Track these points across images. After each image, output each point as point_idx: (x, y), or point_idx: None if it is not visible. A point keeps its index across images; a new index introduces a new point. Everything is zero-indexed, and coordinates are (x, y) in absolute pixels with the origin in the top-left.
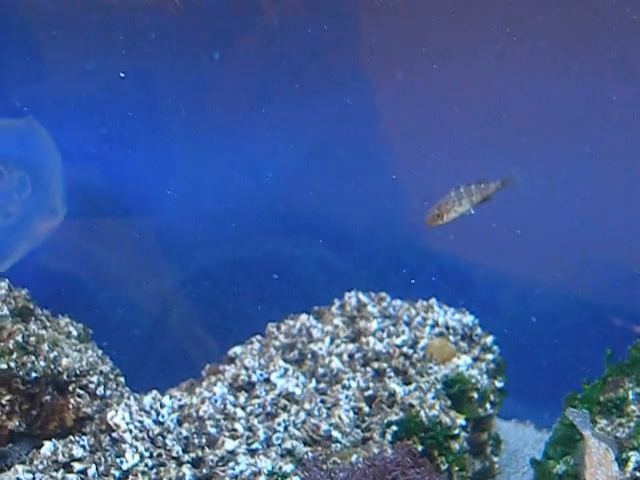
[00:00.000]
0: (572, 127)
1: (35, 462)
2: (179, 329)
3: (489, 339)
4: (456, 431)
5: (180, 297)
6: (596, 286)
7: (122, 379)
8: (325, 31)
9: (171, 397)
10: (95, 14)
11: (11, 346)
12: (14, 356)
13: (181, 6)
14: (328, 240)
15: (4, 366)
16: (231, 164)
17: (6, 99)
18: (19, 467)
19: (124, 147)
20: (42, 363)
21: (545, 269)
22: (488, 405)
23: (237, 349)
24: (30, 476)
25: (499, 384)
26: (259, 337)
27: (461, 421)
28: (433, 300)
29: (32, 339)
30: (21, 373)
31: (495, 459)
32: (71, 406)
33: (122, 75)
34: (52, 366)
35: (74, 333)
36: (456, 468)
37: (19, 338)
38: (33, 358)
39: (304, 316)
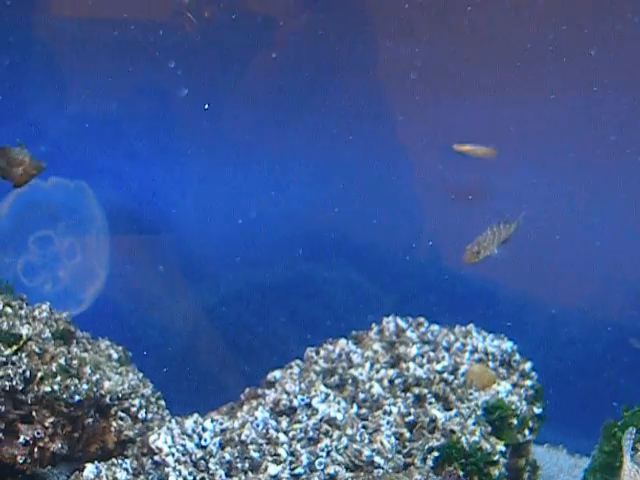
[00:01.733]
0: (600, 147)
1: None
2: (210, 351)
3: (527, 365)
4: (496, 457)
5: (211, 320)
6: (628, 310)
7: (163, 402)
8: (341, 46)
9: (212, 421)
10: (112, 32)
11: (54, 369)
12: (57, 379)
13: (196, 23)
14: (358, 263)
15: (48, 389)
16: (263, 187)
17: (23, 117)
18: None
19: (157, 170)
20: (85, 386)
21: (575, 293)
22: (527, 431)
23: (276, 373)
24: None
25: (537, 410)
26: (299, 362)
27: (501, 447)
28: (471, 325)
29: (74, 362)
30: (64, 396)
31: None
32: (113, 429)
33: (206, 107)
34: (95, 389)
35: (114, 356)
36: None
37: (62, 361)
38: (76, 381)
39: (343, 341)
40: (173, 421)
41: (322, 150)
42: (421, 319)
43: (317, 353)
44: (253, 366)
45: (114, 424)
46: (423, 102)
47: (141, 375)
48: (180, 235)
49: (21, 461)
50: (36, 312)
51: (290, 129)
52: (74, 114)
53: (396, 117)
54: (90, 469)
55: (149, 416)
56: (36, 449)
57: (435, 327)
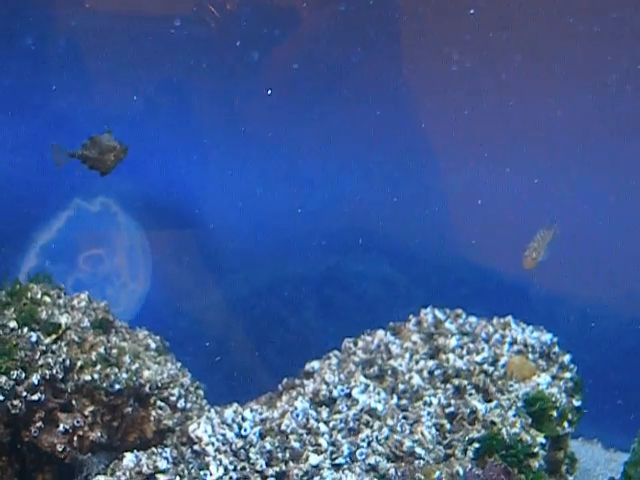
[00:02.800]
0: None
1: (117, 473)
2: (242, 344)
3: (567, 357)
4: (536, 449)
5: (243, 312)
6: None
7: (201, 392)
8: (367, 39)
9: (252, 410)
10: (134, 26)
11: (94, 358)
12: (97, 368)
13: (218, 15)
14: (389, 256)
15: (88, 378)
16: (295, 182)
17: (46, 110)
18: (101, 478)
19: (187, 164)
20: (124, 375)
21: (609, 286)
22: (566, 424)
23: (315, 364)
24: None
25: (576, 403)
26: (337, 352)
27: (541, 439)
28: (509, 317)
29: (114, 351)
30: (104, 385)
31: (570, 478)
32: (152, 418)
33: (269, 92)
34: (134, 378)
35: (152, 345)
36: None
37: (101, 350)
38: (116, 370)
39: (381, 332)
40: (212, 411)
41: (354, 143)
42: (459, 311)
43: (355, 344)
44: (285, 358)
45: (153, 413)
46: (451, 95)
47: (179, 364)
48: (212, 228)
49: (60, 449)
50: (75, 301)
51: (320, 120)
52: (96, 107)
53: (425, 109)
54: (129, 458)
55: (188, 405)
56: (75, 438)
57: (473, 319)
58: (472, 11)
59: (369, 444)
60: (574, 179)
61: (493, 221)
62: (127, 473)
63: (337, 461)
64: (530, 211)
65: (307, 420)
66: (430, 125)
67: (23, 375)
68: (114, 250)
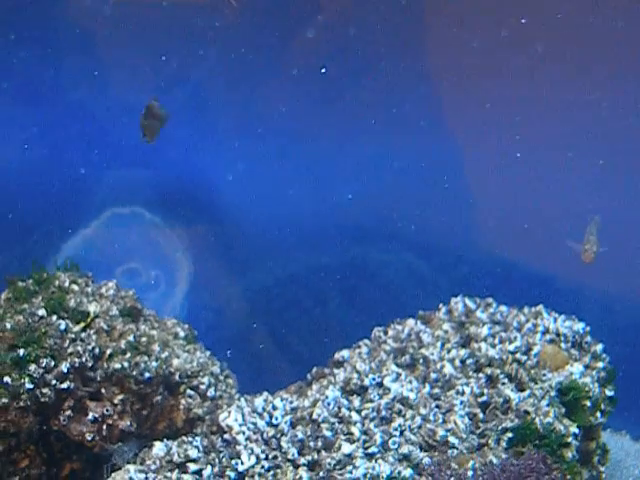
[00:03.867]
0: None
1: (147, 462)
2: (268, 333)
3: (599, 347)
4: (569, 439)
5: (268, 302)
6: None
7: (231, 380)
8: (392, 30)
9: (282, 399)
10: (153, 15)
11: (123, 346)
12: (127, 356)
13: (237, 5)
14: (414, 246)
15: (118, 366)
16: (319, 172)
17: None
18: (131, 467)
19: (212, 155)
20: (154, 363)
21: (635, 277)
22: (598, 414)
23: (344, 353)
24: (142, 476)
25: (609, 393)
26: (367, 341)
27: (574, 429)
28: (541, 306)
29: (143, 339)
30: (134, 373)
31: (602, 469)
32: (182, 407)
33: (323, 70)
34: (164, 366)
35: (181, 334)
36: (568, 477)
37: (130, 338)
38: (146, 358)
39: (411, 321)
40: (242, 399)
41: (379, 135)
42: (489, 300)
43: (385, 333)
44: (310, 348)
45: (183, 402)
46: (481, 92)
47: (208, 353)
48: (238, 219)
49: (89, 438)
50: (103, 289)
51: (344, 113)
52: (115, 97)
53: (448, 101)
54: (159, 446)
55: (218, 394)
56: (104, 426)
57: (503, 308)
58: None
59: (402, 433)
60: (597, 172)
61: (519, 212)
62: (157, 462)
63: (370, 450)
64: (556, 203)
65: (339, 409)
66: (454, 116)
67: (52, 363)
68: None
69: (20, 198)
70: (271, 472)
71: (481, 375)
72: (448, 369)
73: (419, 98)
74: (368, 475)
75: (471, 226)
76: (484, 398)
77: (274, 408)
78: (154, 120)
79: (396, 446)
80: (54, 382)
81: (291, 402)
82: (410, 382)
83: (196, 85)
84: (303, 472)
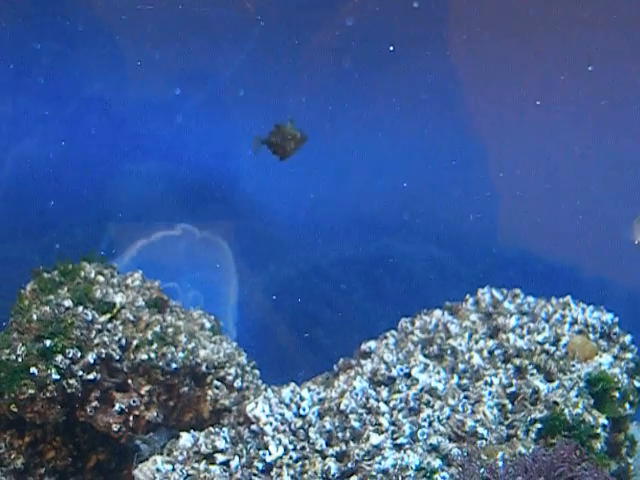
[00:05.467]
0: None
1: (174, 453)
2: (290, 325)
3: (627, 338)
4: (598, 430)
5: (291, 294)
6: None
7: (257, 371)
8: (411, 20)
9: (310, 390)
10: (172, 8)
11: (150, 337)
12: (154, 347)
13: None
14: (438, 237)
15: (144, 357)
16: (343, 164)
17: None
18: (158, 458)
19: (231, 146)
20: (181, 354)
21: None
22: (627, 405)
23: (371, 344)
24: (169, 467)
25: (638, 384)
26: (393, 332)
27: (603, 420)
28: (569, 297)
29: (170, 330)
30: (161, 364)
31: (630, 460)
32: (209, 398)
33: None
34: (191, 357)
35: (207, 325)
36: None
37: (157, 329)
38: (173, 349)
39: (438, 312)
40: (269, 390)
41: (402, 124)
42: (517, 290)
43: (412, 324)
44: (334, 340)
45: (210, 393)
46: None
47: (235, 344)
48: (262, 211)
49: (116, 429)
50: (129, 280)
51: (366, 103)
52: (134, 90)
53: (471, 91)
54: (186, 438)
55: (244, 385)
56: (131, 418)
57: (531, 298)
58: None
59: (430, 424)
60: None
61: (544, 203)
62: (184, 453)
63: (398, 441)
64: (582, 194)
65: (367, 400)
66: (479, 107)
67: (79, 354)
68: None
69: (56, 194)
70: (299, 463)
71: (509, 366)
72: (476, 360)
73: (444, 88)
74: (397, 466)
75: (495, 218)
76: (513, 389)
77: (301, 399)
78: (288, 140)
79: (425, 437)
80: (81, 373)
81: (318, 393)
82: (438, 373)
83: (219, 81)
84: (331, 463)
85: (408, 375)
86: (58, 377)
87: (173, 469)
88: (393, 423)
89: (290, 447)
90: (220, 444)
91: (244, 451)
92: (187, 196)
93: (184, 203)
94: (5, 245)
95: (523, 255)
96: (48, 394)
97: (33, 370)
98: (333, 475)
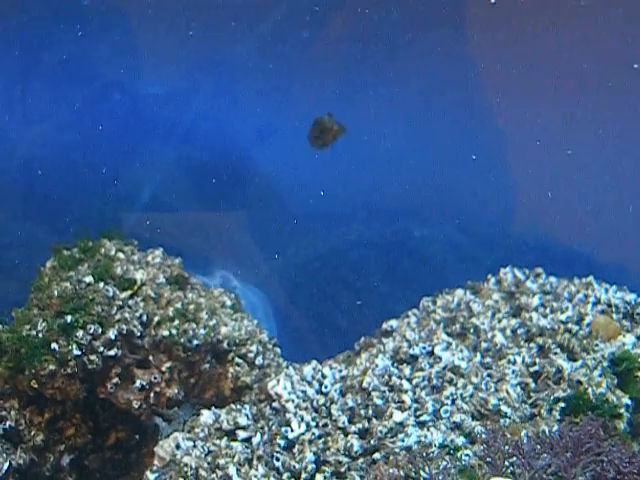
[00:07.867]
0: None
1: (196, 430)
2: (308, 307)
3: None
4: (621, 410)
5: (309, 276)
6: None
7: (278, 349)
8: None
9: (331, 368)
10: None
11: (171, 313)
12: (175, 323)
13: None
14: (456, 220)
15: (166, 333)
16: (360, 146)
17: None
18: (179, 434)
19: (255, 132)
20: (202, 331)
21: None
22: None
23: (393, 322)
24: (190, 443)
25: None
26: (415, 311)
27: (626, 400)
28: (591, 277)
29: (191, 307)
30: (182, 340)
31: None
32: (230, 375)
33: None
34: (212, 334)
35: (228, 303)
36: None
37: (178, 305)
38: (194, 325)
39: (460, 291)
40: (291, 368)
41: (423, 110)
42: (539, 270)
43: (434, 303)
44: (350, 321)
45: (231, 370)
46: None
47: (256, 322)
48: (280, 193)
49: (136, 406)
50: (149, 257)
51: (391, 87)
52: (151, 78)
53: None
54: (208, 414)
55: (266, 363)
56: (152, 394)
57: (553, 278)
58: None
59: (453, 402)
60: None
61: (562, 187)
62: (205, 430)
63: (422, 418)
64: (598, 179)
65: (389, 377)
66: (498, 93)
67: (100, 330)
68: None
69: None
70: (322, 440)
71: (532, 345)
72: (499, 338)
73: (463, 76)
74: (420, 443)
75: (514, 200)
76: (536, 368)
77: (323, 376)
78: (326, 134)
79: (448, 415)
80: (101, 349)
81: (340, 371)
82: (461, 351)
83: (234, 69)
84: (354, 440)
85: (431, 353)
86: (79, 353)
87: (194, 445)
88: (416, 401)
89: (312, 424)
90: (242, 420)
91: (266, 428)
92: (212, 182)
93: (211, 188)
94: (20, 228)
95: (541, 239)
96: (69, 370)
97: (54, 346)
98: (356, 452)
